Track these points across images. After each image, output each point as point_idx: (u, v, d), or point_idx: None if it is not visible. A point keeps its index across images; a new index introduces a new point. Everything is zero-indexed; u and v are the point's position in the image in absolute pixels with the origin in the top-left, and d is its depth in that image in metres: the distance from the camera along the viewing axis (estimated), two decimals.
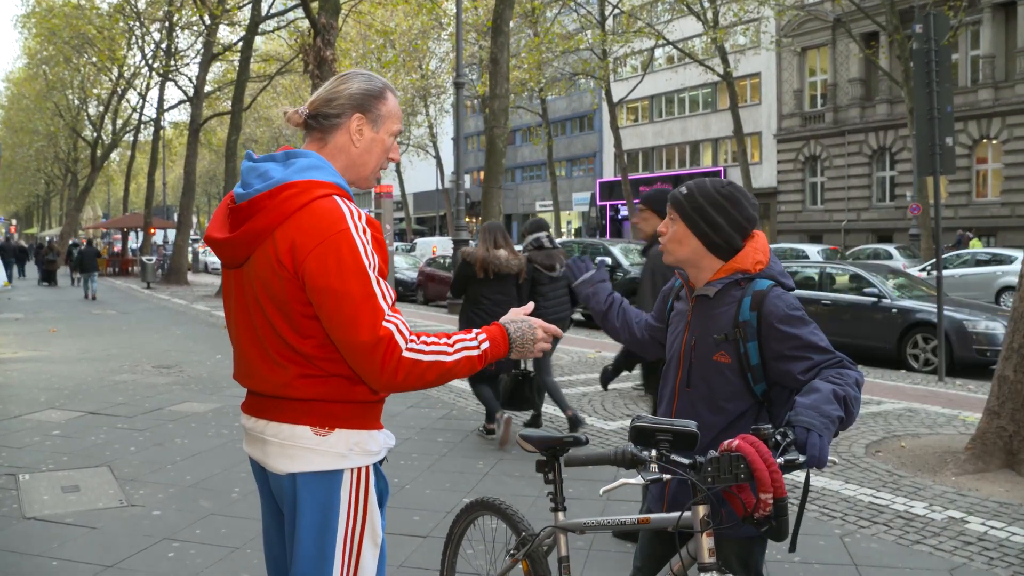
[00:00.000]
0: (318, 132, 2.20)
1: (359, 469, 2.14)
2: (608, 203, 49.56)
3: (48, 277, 33.20)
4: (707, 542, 2.08)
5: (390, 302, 2.04)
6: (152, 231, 40.00)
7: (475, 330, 2.17)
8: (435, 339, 2.08)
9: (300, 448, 2.10)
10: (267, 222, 2.04)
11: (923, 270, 20.77)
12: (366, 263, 2.01)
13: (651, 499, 2.60)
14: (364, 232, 2.05)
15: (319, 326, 2.05)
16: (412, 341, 2.03)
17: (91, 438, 7.12)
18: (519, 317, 2.24)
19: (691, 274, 2.54)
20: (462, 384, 9.54)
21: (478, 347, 2.13)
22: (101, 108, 45.19)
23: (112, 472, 6.08)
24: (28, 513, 5.17)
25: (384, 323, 2.00)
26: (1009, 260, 20.03)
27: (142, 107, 42.89)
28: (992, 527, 4.90)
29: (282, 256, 2.02)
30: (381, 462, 2.24)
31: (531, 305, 2.34)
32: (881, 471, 6.08)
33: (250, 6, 27.70)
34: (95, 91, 44.71)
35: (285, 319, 2.06)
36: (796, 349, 2.33)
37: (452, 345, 2.09)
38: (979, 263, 20.75)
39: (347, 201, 2.09)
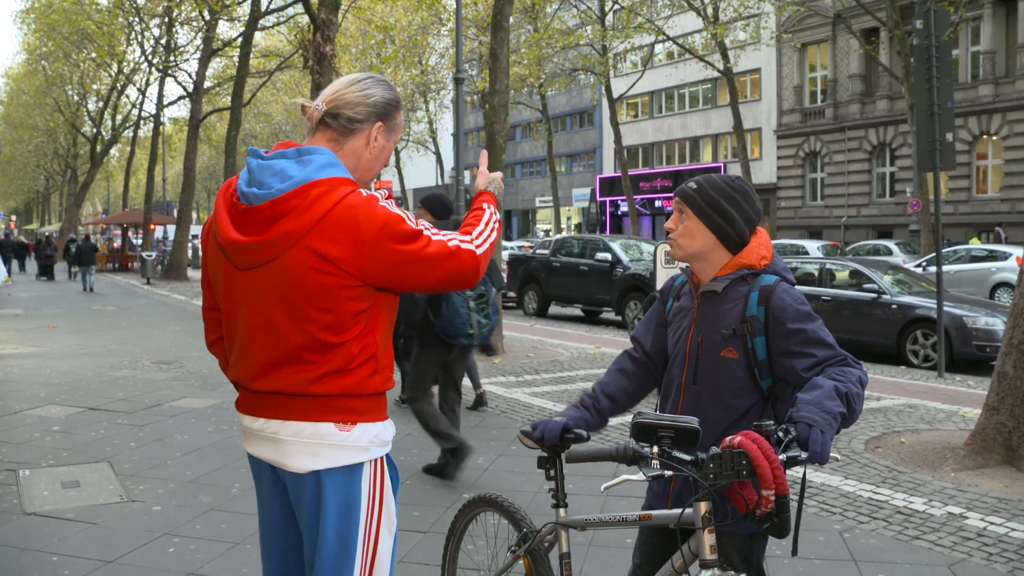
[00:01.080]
0: (334, 132, 2.20)
1: (376, 460, 2.19)
2: (608, 199, 49.52)
3: (46, 272, 33.75)
4: (709, 539, 2.08)
5: (437, 229, 2.18)
6: (152, 227, 39.98)
7: (484, 205, 2.43)
8: (479, 228, 2.32)
9: (325, 445, 2.12)
10: (301, 222, 2.04)
11: (918, 266, 20.77)
12: (410, 223, 2.12)
13: (653, 496, 2.60)
14: (396, 205, 2.15)
15: (360, 319, 2.11)
16: (471, 241, 2.23)
17: (91, 434, 7.12)
18: (489, 176, 2.53)
19: (698, 269, 2.53)
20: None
21: (495, 214, 2.43)
22: (100, 104, 45.17)
23: (112, 468, 6.08)
24: (28, 509, 5.17)
25: (450, 244, 2.15)
26: (1004, 256, 20.03)
27: (142, 103, 42.74)
28: (991, 523, 4.91)
29: (328, 255, 2.03)
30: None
31: (484, 154, 2.72)
32: (880, 467, 6.09)
33: (249, 1, 27.65)
34: (94, 87, 44.68)
35: (327, 316, 2.07)
36: (801, 344, 2.33)
37: (488, 225, 2.35)
38: (974, 259, 20.75)
39: (367, 189, 2.15)
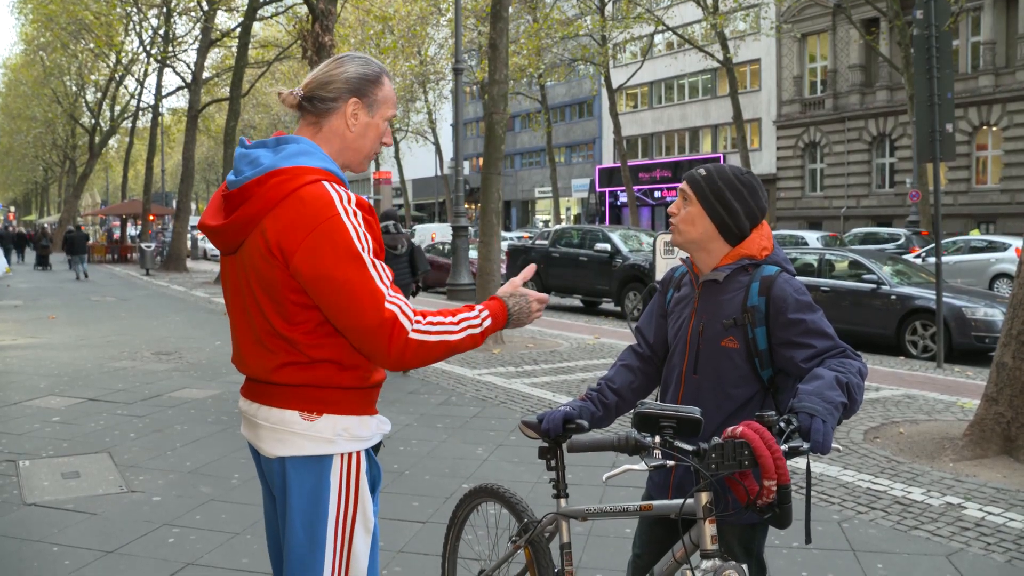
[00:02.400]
0: (312, 115, 2.19)
1: (349, 455, 2.14)
2: (607, 189, 49.50)
3: (42, 261, 34.55)
4: (710, 529, 2.08)
5: (388, 283, 2.05)
6: (152, 218, 39.97)
7: (478, 307, 2.19)
8: (440, 318, 2.09)
9: (289, 432, 2.11)
10: (256, 209, 2.05)
11: (919, 257, 20.76)
12: (359, 247, 2.01)
13: (653, 486, 2.60)
14: (355, 215, 2.04)
15: (308, 313, 2.06)
16: (417, 322, 2.04)
17: (91, 424, 7.13)
18: (518, 291, 2.27)
19: (698, 258, 2.53)
20: (461, 370, 9.56)
21: (480, 324, 2.16)
22: (99, 94, 45.09)
23: (112, 458, 6.09)
24: (28, 499, 5.18)
25: (387, 305, 2.01)
26: (1004, 247, 20.01)
27: (140, 93, 42.70)
28: (989, 513, 4.92)
29: (271, 244, 2.02)
30: (377, 448, 2.24)
31: (531, 269, 2.38)
32: (879, 457, 6.10)
33: None
34: (93, 77, 44.59)
35: (274, 305, 2.07)
36: (801, 335, 2.33)
37: (458, 324, 2.11)
38: (973, 250, 20.73)
39: (336, 185, 2.07)
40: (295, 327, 2.07)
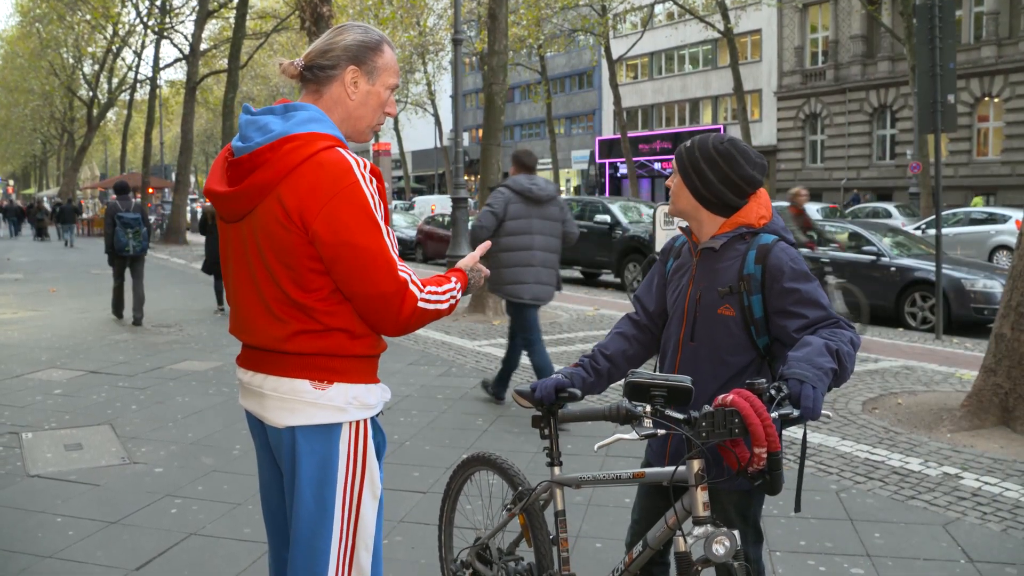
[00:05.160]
0: (313, 84, 2.19)
1: (357, 423, 2.17)
2: (607, 161, 49.32)
3: (40, 232, 36.84)
4: (701, 496, 2.10)
5: (397, 251, 2.12)
6: (151, 191, 39.83)
7: (453, 277, 2.31)
8: (435, 287, 2.20)
9: (299, 402, 2.12)
10: (271, 175, 2.04)
11: (918, 228, 20.73)
12: (377, 215, 2.06)
13: (651, 453, 2.62)
14: (371, 183, 2.07)
15: (324, 280, 2.07)
16: (423, 291, 2.14)
17: (92, 397, 7.16)
18: (476, 266, 2.44)
19: (693, 228, 2.55)
20: (461, 342, 9.59)
21: (457, 296, 2.30)
22: (96, 67, 44.78)
23: (114, 430, 6.12)
24: (32, 471, 5.22)
25: (400, 273, 2.08)
26: (1004, 219, 19.97)
27: (138, 65, 42.36)
28: (986, 483, 4.95)
29: (290, 210, 2.02)
30: (378, 416, 2.26)
31: (486, 246, 2.58)
32: (877, 427, 6.13)
33: None
34: (90, 49, 44.23)
35: (289, 273, 2.07)
36: (795, 304, 2.33)
37: (444, 295, 2.22)
38: (973, 222, 20.69)
39: (350, 152, 2.10)
40: (310, 294, 2.08)
